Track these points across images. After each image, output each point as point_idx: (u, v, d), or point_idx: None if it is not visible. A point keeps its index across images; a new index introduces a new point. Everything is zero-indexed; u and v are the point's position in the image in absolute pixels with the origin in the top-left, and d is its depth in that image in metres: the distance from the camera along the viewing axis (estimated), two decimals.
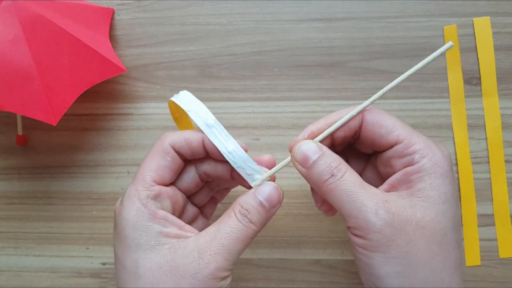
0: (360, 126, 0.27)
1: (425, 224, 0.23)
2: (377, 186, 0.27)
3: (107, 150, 0.38)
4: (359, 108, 0.26)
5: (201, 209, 0.31)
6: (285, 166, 0.27)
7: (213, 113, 0.38)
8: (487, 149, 0.36)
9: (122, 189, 0.38)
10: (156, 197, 0.26)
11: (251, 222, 0.25)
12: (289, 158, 0.27)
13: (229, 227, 0.25)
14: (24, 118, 0.38)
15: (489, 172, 0.36)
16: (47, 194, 0.38)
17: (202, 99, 0.37)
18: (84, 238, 0.38)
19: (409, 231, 0.23)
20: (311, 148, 0.25)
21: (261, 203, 0.25)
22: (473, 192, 0.36)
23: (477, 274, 0.35)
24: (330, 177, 0.24)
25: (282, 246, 0.36)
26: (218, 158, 0.27)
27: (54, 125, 0.32)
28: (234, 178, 0.28)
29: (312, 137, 0.27)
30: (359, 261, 0.25)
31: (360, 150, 0.29)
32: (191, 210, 0.30)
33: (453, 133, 0.36)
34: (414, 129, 0.26)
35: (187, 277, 0.23)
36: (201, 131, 0.27)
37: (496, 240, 0.35)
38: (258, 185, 0.26)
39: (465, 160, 0.36)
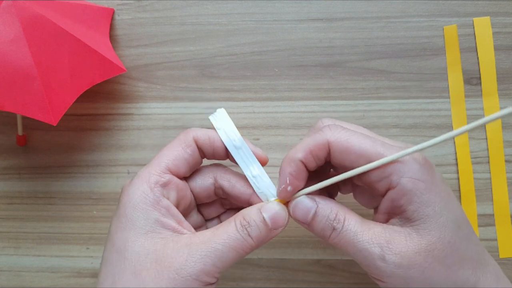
0: (328, 155, 0.25)
1: (433, 246, 0.23)
2: (371, 197, 0.28)
3: (107, 150, 0.38)
4: (343, 175, 0.25)
5: (207, 222, 0.31)
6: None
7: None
8: (487, 149, 0.36)
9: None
10: (165, 185, 0.26)
11: (249, 235, 0.24)
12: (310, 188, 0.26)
13: (226, 233, 0.24)
14: (24, 118, 0.38)
15: (489, 172, 0.36)
16: (47, 194, 0.38)
17: (202, 99, 0.37)
18: (84, 238, 0.38)
19: (421, 262, 0.23)
20: (305, 205, 0.25)
21: (264, 221, 0.25)
22: (473, 192, 0.36)
23: None
24: (332, 232, 0.25)
25: (282, 246, 0.36)
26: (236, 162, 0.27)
27: (54, 125, 0.32)
28: (252, 203, 0.28)
29: (292, 182, 0.25)
30: None
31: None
32: (195, 217, 0.30)
33: None
34: (384, 144, 0.25)
35: (171, 271, 0.23)
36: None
37: (496, 240, 0.35)
38: (266, 202, 0.26)
39: (465, 160, 0.36)
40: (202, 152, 0.28)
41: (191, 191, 0.28)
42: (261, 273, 0.37)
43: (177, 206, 0.26)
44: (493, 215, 0.35)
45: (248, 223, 0.25)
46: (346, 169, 0.25)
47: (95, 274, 0.38)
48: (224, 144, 0.27)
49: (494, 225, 0.35)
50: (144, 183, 0.25)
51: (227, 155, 0.28)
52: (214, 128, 0.28)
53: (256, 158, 0.27)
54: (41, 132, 0.38)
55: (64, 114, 0.34)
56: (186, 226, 0.26)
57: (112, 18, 0.38)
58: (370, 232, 0.24)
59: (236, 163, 0.28)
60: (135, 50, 0.38)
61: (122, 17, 0.38)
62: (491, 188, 0.36)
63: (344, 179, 0.25)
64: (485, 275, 0.24)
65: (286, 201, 0.27)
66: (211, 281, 0.24)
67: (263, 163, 0.28)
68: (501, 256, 0.35)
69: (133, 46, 0.38)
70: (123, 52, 0.38)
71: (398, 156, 0.24)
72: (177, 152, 0.27)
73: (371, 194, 0.28)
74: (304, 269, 0.36)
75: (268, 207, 0.26)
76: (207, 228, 0.30)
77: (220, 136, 0.27)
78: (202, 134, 0.27)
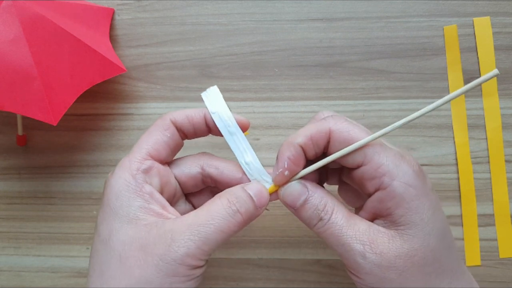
0: (328, 143, 0.25)
1: (414, 252, 0.23)
2: (355, 197, 0.28)
3: (107, 150, 0.38)
4: (346, 150, 0.25)
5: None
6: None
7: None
8: (487, 149, 0.36)
9: None
10: (147, 172, 0.25)
11: (238, 212, 0.24)
12: (299, 174, 0.26)
13: (210, 214, 0.24)
14: (24, 118, 0.38)
15: (489, 172, 0.36)
16: (47, 194, 0.38)
17: (202, 99, 0.37)
18: (84, 238, 0.38)
19: (399, 265, 0.23)
20: (297, 191, 0.25)
21: (250, 197, 0.25)
22: (473, 192, 0.36)
23: (477, 274, 0.35)
24: (318, 222, 0.25)
25: (282, 246, 0.36)
26: (219, 135, 0.27)
27: (55, 125, 0.32)
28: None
29: (293, 166, 0.25)
30: None
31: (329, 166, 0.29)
32: (184, 206, 0.29)
33: (453, 133, 0.36)
34: (382, 144, 0.25)
35: (155, 257, 0.23)
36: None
37: (496, 240, 0.35)
38: (247, 183, 0.26)
39: (465, 160, 0.36)
40: (183, 133, 0.28)
41: (177, 180, 0.28)
42: (261, 273, 0.37)
43: (161, 193, 0.26)
44: (493, 215, 0.35)
45: (236, 198, 0.25)
46: (340, 162, 0.26)
47: None
48: (203, 118, 0.27)
49: (494, 225, 0.35)
50: (125, 171, 0.25)
51: (208, 130, 0.28)
52: (206, 106, 0.27)
53: (238, 123, 0.27)
54: (41, 132, 0.38)
55: (64, 114, 0.34)
56: (171, 211, 0.26)
57: (112, 18, 0.38)
58: (355, 228, 0.24)
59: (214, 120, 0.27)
60: (135, 50, 0.38)
61: (122, 17, 0.38)
62: (491, 188, 0.36)
63: (337, 158, 0.25)
64: (460, 283, 0.24)
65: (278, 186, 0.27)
66: (198, 264, 0.24)
67: (245, 127, 0.27)
68: (501, 256, 0.35)
69: (133, 46, 0.38)
70: (123, 52, 0.38)
71: (382, 134, 0.24)
72: (156, 136, 0.26)
73: (356, 193, 0.28)
74: (304, 269, 0.36)
75: (251, 185, 0.26)
76: None
77: (214, 120, 0.27)
78: (179, 115, 0.27)
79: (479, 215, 0.36)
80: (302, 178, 0.26)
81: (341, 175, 0.29)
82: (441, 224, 0.24)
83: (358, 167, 0.25)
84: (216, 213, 0.24)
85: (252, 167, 0.27)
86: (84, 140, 0.38)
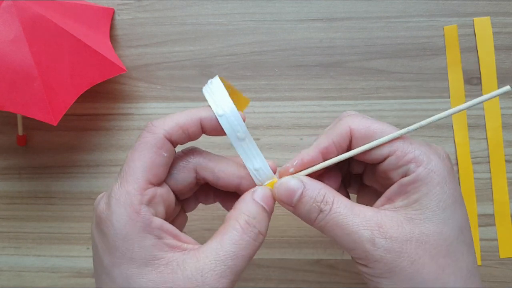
0: (350, 143, 0.25)
1: (426, 238, 0.22)
2: (379, 190, 0.26)
3: (107, 150, 0.38)
4: (359, 150, 0.24)
5: (182, 202, 0.28)
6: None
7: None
8: (488, 149, 0.36)
9: None
10: (150, 202, 0.23)
11: (260, 233, 0.23)
12: (314, 168, 0.25)
13: (235, 244, 0.22)
14: (24, 118, 0.38)
15: (490, 172, 0.36)
16: (47, 194, 0.38)
17: (202, 99, 0.37)
18: (84, 238, 0.38)
19: (411, 251, 0.22)
20: (292, 186, 0.24)
21: (263, 208, 0.24)
22: (474, 192, 0.36)
23: None
24: (319, 214, 0.23)
25: (282, 246, 0.36)
26: (220, 133, 0.25)
27: (55, 125, 0.32)
28: (242, 190, 0.26)
29: (301, 166, 0.25)
30: (368, 285, 0.24)
31: (352, 171, 0.28)
32: (177, 211, 0.28)
33: (453, 133, 0.36)
34: (407, 136, 0.25)
35: None
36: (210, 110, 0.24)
37: (496, 240, 0.35)
38: (252, 190, 0.25)
39: (466, 160, 0.36)
40: (176, 144, 0.25)
41: (173, 189, 0.25)
42: (261, 273, 0.37)
43: (166, 218, 0.24)
44: (493, 215, 0.35)
45: (254, 218, 0.23)
46: (365, 160, 0.25)
47: None
48: (199, 124, 0.24)
49: (494, 225, 0.35)
50: (127, 207, 0.22)
51: (202, 132, 0.25)
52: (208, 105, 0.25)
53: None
54: (42, 132, 0.38)
55: (64, 114, 0.34)
56: (184, 239, 0.24)
57: (112, 18, 0.38)
58: (361, 215, 0.23)
59: (211, 122, 0.24)
60: (135, 50, 0.38)
61: (122, 17, 0.38)
62: (491, 188, 0.36)
63: (356, 154, 0.24)
64: (473, 285, 0.23)
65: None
66: None
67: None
68: (501, 256, 0.35)
69: (133, 46, 0.38)
70: (123, 52, 0.38)
71: (408, 131, 0.24)
72: (151, 158, 0.23)
73: (376, 197, 0.27)
74: (304, 269, 0.36)
75: (258, 193, 0.24)
76: (184, 209, 0.28)
77: (221, 124, 0.24)
78: (172, 127, 0.24)
79: (479, 215, 0.36)
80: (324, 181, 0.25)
81: (363, 178, 0.28)
82: (460, 217, 0.23)
83: (384, 159, 0.24)
84: (240, 241, 0.22)
85: (261, 174, 0.25)
86: (84, 140, 0.38)
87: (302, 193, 0.24)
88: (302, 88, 0.37)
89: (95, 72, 0.34)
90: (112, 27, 0.38)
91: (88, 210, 0.38)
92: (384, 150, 0.24)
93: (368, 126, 0.24)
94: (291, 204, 0.24)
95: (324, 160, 0.25)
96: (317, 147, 0.25)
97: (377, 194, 0.27)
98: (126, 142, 0.38)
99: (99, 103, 0.38)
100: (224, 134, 0.25)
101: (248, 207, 0.24)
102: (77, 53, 0.33)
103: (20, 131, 0.38)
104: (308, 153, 0.25)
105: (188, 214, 0.29)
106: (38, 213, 0.38)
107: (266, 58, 0.37)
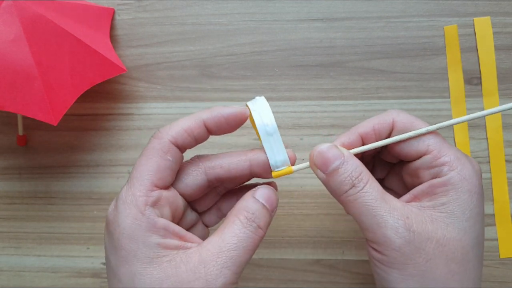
0: (390, 134, 0.26)
1: (446, 242, 0.22)
2: (400, 194, 0.26)
3: (107, 150, 0.38)
4: (400, 137, 0.25)
5: (201, 215, 0.29)
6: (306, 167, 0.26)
7: None
8: (488, 149, 0.36)
9: None
10: (155, 204, 0.23)
11: (259, 227, 0.24)
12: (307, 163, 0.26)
13: (236, 236, 0.23)
14: (24, 118, 0.38)
15: (490, 172, 0.36)
16: (47, 194, 0.38)
17: (203, 99, 0.37)
18: (84, 238, 0.38)
19: (429, 250, 0.22)
20: (332, 153, 0.24)
21: (263, 205, 0.24)
22: None
23: None
24: (351, 188, 0.23)
25: (282, 246, 0.36)
26: (223, 131, 0.26)
27: (55, 125, 0.32)
28: (253, 174, 0.26)
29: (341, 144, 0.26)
30: (375, 273, 0.24)
31: (384, 159, 0.28)
32: (190, 216, 0.28)
33: (453, 133, 0.36)
34: (444, 139, 0.25)
35: None
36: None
37: (496, 240, 0.35)
38: (254, 190, 0.25)
39: None
40: (184, 148, 0.25)
41: (182, 194, 0.26)
42: (261, 273, 0.37)
43: (172, 219, 0.25)
44: (493, 215, 0.35)
45: (253, 214, 0.24)
46: (401, 154, 0.26)
47: (95, 274, 0.38)
48: (202, 125, 0.25)
49: (494, 225, 0.35)
50: (132, 208, 0.23)
51: (208, 135, 0.26)
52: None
53: (233, 115, 0.25)
54: (42, 132, 0.38)
55: (65, 114, 0.34)
56: (189, 238, 0.24)
57: (113, 18, 0.38)
58: (390, 203, 0.23)
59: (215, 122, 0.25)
60: (135, 50, 0.38)
61: (122, 17, 0.38)
62: (492, 188, 0.36)
63: (397, 141, 0.25)
64: None
65: (275, 185, 0.26)
66: (234, 287, 0.23)
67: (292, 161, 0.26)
68: (501, 256, 0.35)
69: (133, 46, 0.38)
70: (123, 52, 0.38)
71: (440, 126, 0.25)
72: (157, 162, 0.24)
73: (401, 182, 0.28)
74: (304, 269, 0.36)
75: (259, 192, 0.25)
76: (203, 223, 0.29)
77: (254, 118, 0.25)
78: (177, 132, 0.24)
79: None
80: None
81: (383, 182, 0.28)
82: (479, 231, 0.23)
83: (420, 157, 0.25)
84: (240, 233, 0.23)
85: (279, 164, 0.26)
86: (84, 140, 0.38)
87: (340, 163, 0.24)
88: (302, 88, 0.37)
89: (95, 72, 0.34)
90: (112, 27, 0.38)
91: (89, 210, 0.38)
92: (422, 147, 0.25)
93: (412, 122, 0.25)
94: (325, 171, 0.24)
95: (363, 145, 0.26)
96: (357, 131, 0.26)
97: (403, 187, 0.28)
98: (126, 142, 0.38)
99: (99, 103, 0.38)
100: (230, 131, 0.26)
101: (247, 204, 0.24)
102: (78, 53, 0.33)
103: (20, 131, 0.38)
104: (349, 137, 0.26)
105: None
106: (38, 213, 0.38)
107: (266, 58, 0.37)
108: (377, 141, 0.26)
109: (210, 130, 0.25)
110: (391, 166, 0.29)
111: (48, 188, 0.38)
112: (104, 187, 0.38)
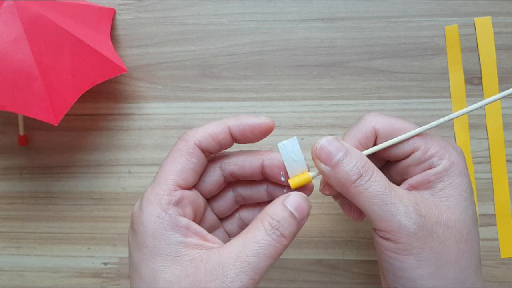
0: (375, 142, 0.26)
1: (452, 223, 0.24)
2: None
3: (108, 150, 0.38)
4: (386, 144, 0.26)
5: (222, 222, 0.29)
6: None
7: (214, 113, 0.38)
8: (489, 149, 0.36)
9: (124, 189, 0.38)
10: (178, 203, 0.24)
11: (283, 236, 0.23)
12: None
13: (257, 242, 0.23)
14: (25, 118, 0.38)
15: (491, 172, 0.36)
16: (48, 194, 0.38)
17: (203, 99, 0.37)
18: (85, 238, 0.38)
19: (440, 232, 0.23)
20: (334, 145, 0.24)
21: (292, 214, 0.23)
22: (475, 192, 0.36)
23: None
24: (359, 178, 0.23)
25: None
26: (247, 140, 0.26)
27: (56, 125, 0.32)
28: (266, 174, 0.27)
29: None
30: (387, 264, 0.24)
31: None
32: (210, 217, 0.28)
33: (454, 133, 0.36)
34: (426, 133, 0.26)
35: None
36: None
37: (497, 240, 0.35)
38: (286, 195, 0.25)
39: (467, 160, 0.36)
40: (208, 152, 0.26)
41: (201, 193, 0.27)
42: None
43: (194, 219, 0.25)
44: (494, 215, 0.35)
45: (279, 222, 0.23)
46: (390, 157, 0.26)
47: (96, 274, 0.38)
48: (227, 131, 0.25)
49: (495, 225, 0.35)
50: (156, 207, 0.23)
51: (232, 142, 0.26)
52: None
53: (257, 125, 0.26)
54: (43, 132, 0.38)
55: (66, 114, 0.34)
56: (211, 239, 0.24)
57: (113, 18, 0.38)
58: (398, 191, 0.24)
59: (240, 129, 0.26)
60: (136, 50, 0.38)
61: (123, 17, 0.38)
62: (493, 188, 0.36)
63: (383, 148, 0.26)
64: (480, 274, 0.25)
65: (311, 188, 0.26)
66: None
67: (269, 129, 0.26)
68: (502, 256, 0.35)
69: (134, 46, 0.38)
70: (124, 52, 0.38)
71: (431, 127, 0.25)
72: (182, 164, 0.25)
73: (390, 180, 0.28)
74: (305, 269, 0.36)
75: (290, 199, 0.24)
76: (224, 229, 0.29)
77: (279, 149, 0.25)
78: (202, 135, 0.25)
79: (480, 215, 0.35)
80: None
81: (390, 171, 0.29)
82: (474, 208, 0.25)
83: (408, 156, 0.26)
84: (262, 240, 0.23)
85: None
86: (85, 140, 0.38)
87: (344, 154, 0.24)
88: (303, 88, 0.37)
89: (96, 72, 0.34)
90: (113, 27, 0.38)
91: (89, 210, 0.38)
92: (409, 147, 0.26)
93: (392, 124, 0.26)
94: (329, 163, 0.24)
95: None
96: (357, 132, 0.26)
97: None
98: (127, 142, 0.38)
99: (100, 103, 0.38)
100: (254, 141, 0.26)
101: (275, 210, 0.24)
102: (78, 53, 0.33)
103: (21, 131, 0.38)
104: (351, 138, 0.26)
105: None
106: (39, 213, 0.38)
107: (267, 58, 0.37)
108: (362, 147, 0.26)
109: (235, 138, 0.26)
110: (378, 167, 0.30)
111: (49, 188, 0.38)
112: (105, 187, 0.38)
